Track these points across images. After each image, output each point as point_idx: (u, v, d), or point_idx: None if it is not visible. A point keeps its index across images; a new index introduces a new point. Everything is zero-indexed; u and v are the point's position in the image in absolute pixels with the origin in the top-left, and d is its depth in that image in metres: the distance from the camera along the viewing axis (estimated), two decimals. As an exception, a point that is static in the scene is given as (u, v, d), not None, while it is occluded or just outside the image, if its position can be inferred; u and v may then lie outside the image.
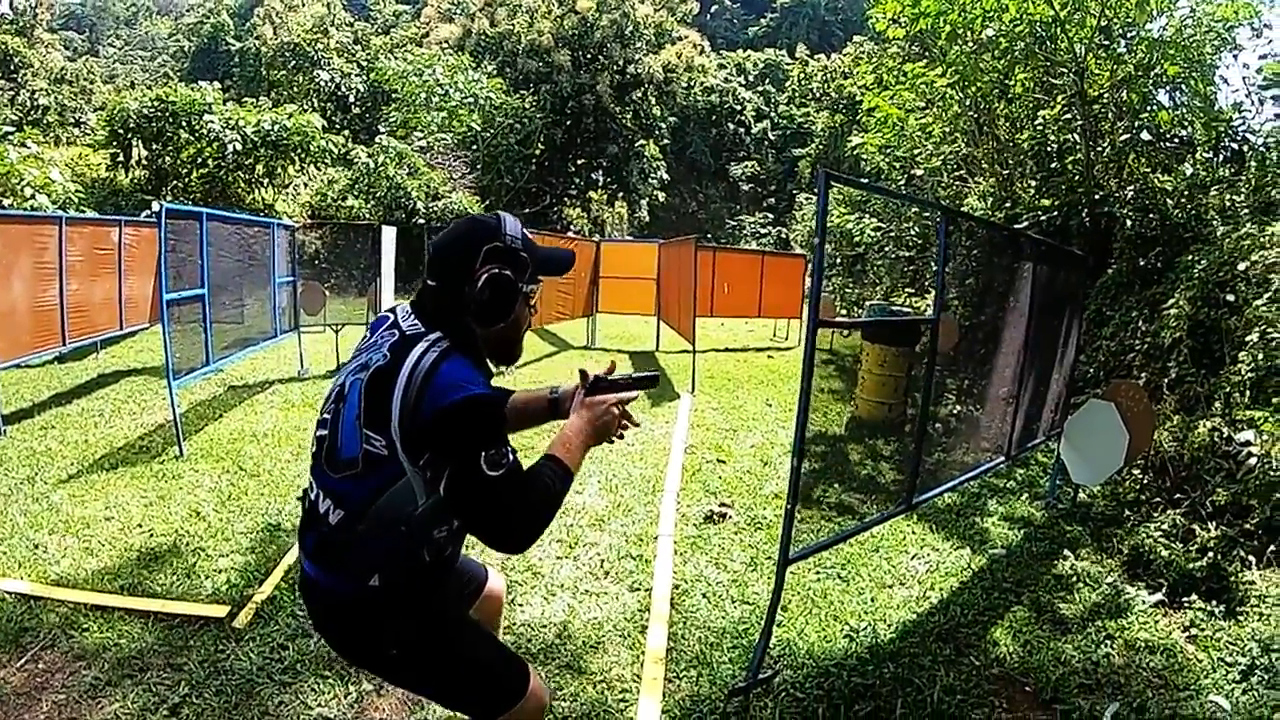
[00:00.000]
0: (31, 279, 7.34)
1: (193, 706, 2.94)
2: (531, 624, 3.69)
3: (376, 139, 24.02)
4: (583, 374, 2.05)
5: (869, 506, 5.68)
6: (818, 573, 4.43)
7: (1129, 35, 9.04)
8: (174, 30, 56.51)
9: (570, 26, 32.13)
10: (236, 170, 19.02)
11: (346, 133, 27.04)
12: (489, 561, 2.69)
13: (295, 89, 31.30)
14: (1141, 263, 7.58)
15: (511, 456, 1.72)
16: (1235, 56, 8.82)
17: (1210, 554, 4.51)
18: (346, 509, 1.78)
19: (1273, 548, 4.40)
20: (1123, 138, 8.94)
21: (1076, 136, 9.22)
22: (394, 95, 28.51)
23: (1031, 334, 5.09)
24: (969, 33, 9.38)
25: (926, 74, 10.36)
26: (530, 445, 5.10)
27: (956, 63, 9.63)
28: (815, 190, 2.97)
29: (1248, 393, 5.29)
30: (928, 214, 12.34)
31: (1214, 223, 7.11)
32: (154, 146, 18.26)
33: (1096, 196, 8.58)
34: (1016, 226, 8.48)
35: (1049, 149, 9.70)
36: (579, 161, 34.80)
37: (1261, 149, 7.90)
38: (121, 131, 17.85)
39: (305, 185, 22.24)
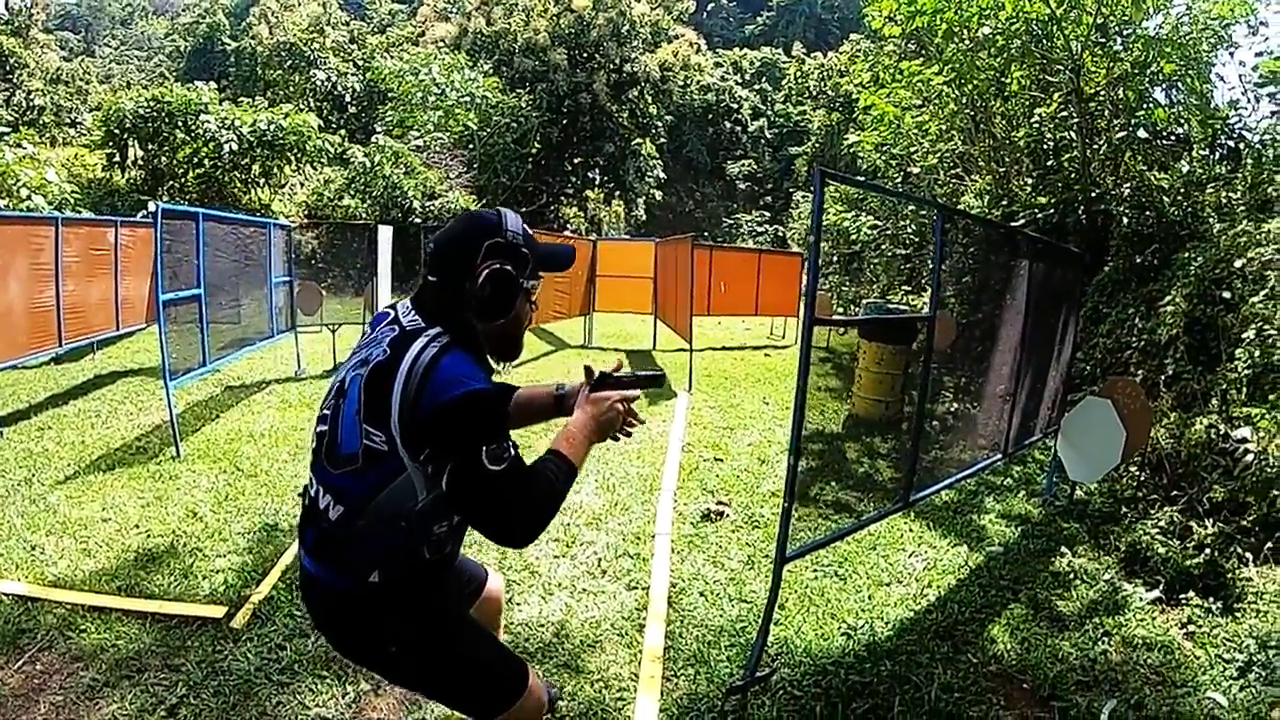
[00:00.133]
0: (28, 280, 7.32)
1: (190, 707, 2.94)
2: (529, 623, 3.69)
3: (373, 138, 23.99)
4: (588, 370, 2.06)
5: (866, 504, 5.68)
6: (815, 571, 4.43)
7: (1125, 33, 9.04)
8: (170, 30, 56.31)
9: (566, 25, 32.10)
10: (233, 170, 19.03)
11: (343, 132, 27.06)
12: (487, 562, 2.69)
13: (291, 88, 31.27)
14: (1138, 260, 7.59)
15: (513, 451, 1.72)
16: (1231, 54, 8.84)
17: (1207, 551, 4.51)
18: (346, 505, 1.78)
19: (1270, 544, 4.41)
20: (1119, 135, 8.94)
21: (1073, 134, 9.23)
22: (390, 94, 28.44)
23: (1028, 331, 5.09)
24: (965, 30, 9.38)
25: (923, 72, 10.35)
26: (530, 445, 5.09)
27: (953, 60, 9.62)
28: (812, 188, 2.98)
29: (1244, 389, 5.30)
30: (924, 212, 12.35)
31: (1210, 220, 7.12)
32: (150, 147, 18.27)
33: (1093, 194, 8.59)
34: (1013, 224, 8.49)
35: (1045, 146, 9.71)
36: (575, 160, 34.80)
37: (1257, 146, 7.89)
38: (117, 132, 17.86)
39: (301, 185, 22.23)
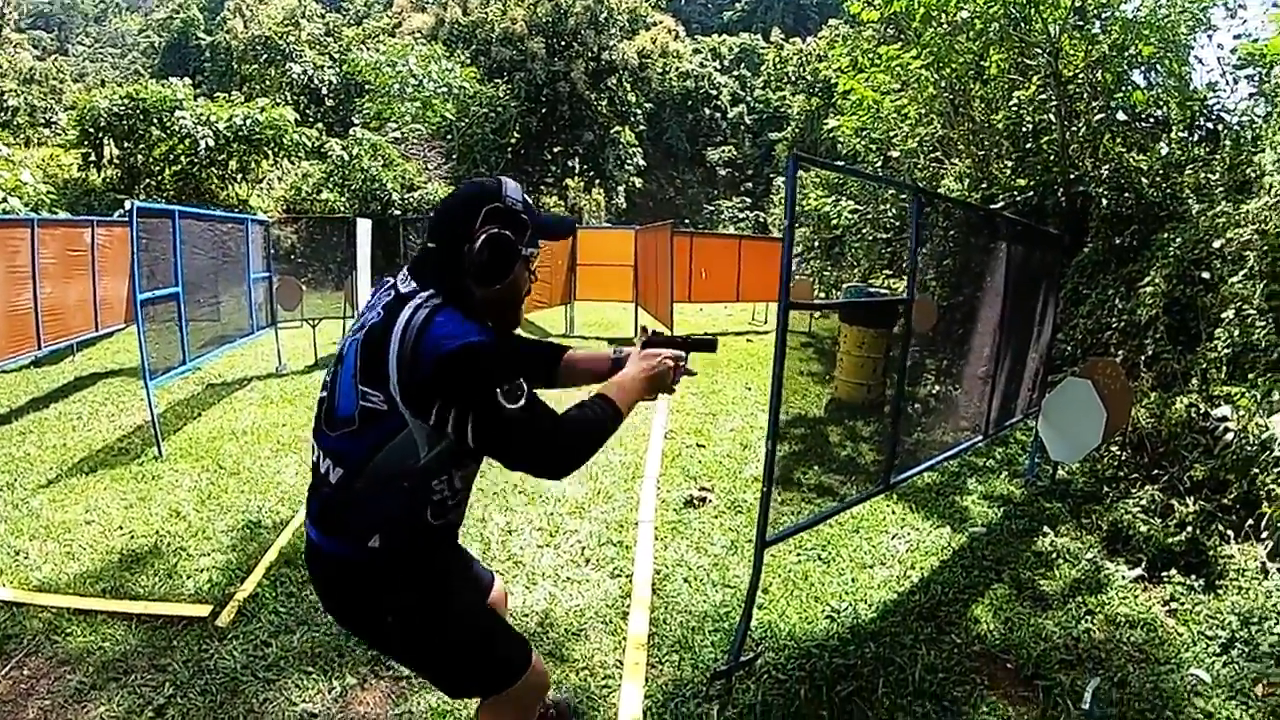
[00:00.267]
0: (5, 283, 7.24)
1: (178, 707, 2.94)
2: (514, 613, 3.69)
3: (350, 131, 23.76)
4: (643, 330, 2.12)
5: (849, 487, 5.70)
6: (798, 554, 4.45)
7: (1103, 16, 9.05)
8: (144, 26, 55.85)
9: (544, 13, 32.01)
10: (210, 166, 18.80)
11: (320, 126, 26.74)
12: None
13: (267, 82, 30.96)
14: (1117, 241, 7.64)
15: (526, 387, 1.74)
16: (1210, 36, 8.85)
17: (1189, 529, 4.56)
18: (345, 467, 1.79)
19: (1250, 521, 4.46)
20: (1098, 118, 8.97)
21: (1052, 117, 9.26)
22: (367, 87, 28.27)
23: (1008, 313, 5.12)
24: (943, 14, 9.38)
25: (901, 56, 10.35)
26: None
27: (931, 45, 9.63)
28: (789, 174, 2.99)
29: (1224, 369, 5.35)
30: (903, 196, 12.38)
31: (1189, 201, 7.16)
32: (126, 145, 18.02)
33: (1072, 176, 8.63)
34: (993, 207, 8.53)
35: (1024, 129, 9.74)
36: (555, 149, 34.77)
37: (1236, 128, 7.94)
38: (92, 130, 17.61)
39: (279, 180, 22.00)
